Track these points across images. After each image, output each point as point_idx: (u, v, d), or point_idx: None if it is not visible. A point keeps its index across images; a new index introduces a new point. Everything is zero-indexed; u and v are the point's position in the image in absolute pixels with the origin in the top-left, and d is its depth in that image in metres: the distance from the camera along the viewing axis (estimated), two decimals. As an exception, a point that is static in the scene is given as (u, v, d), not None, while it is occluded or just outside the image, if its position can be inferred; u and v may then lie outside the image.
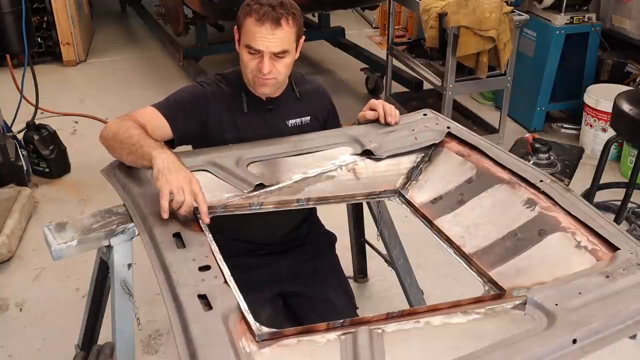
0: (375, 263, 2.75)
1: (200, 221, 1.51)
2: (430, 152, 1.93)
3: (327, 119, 2.07)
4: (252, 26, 1.76)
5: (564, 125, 4.38)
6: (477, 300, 1.36)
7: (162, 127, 1.82)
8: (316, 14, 5.40)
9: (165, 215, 1.49)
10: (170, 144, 1.86)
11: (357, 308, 2.16)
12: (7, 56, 3.80)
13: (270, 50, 1.77)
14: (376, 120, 2.02)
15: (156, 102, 1.88)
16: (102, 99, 4.85)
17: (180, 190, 1.48)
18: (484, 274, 1.49)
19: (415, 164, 1.89)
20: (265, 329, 1.23)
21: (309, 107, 2.01)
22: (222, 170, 1.74)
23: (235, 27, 1.85)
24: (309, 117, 2.00)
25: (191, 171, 1.58)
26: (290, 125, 1.97)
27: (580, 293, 1.31)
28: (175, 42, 5.33)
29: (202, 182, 1.56)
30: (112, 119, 1.78)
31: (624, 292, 1.32)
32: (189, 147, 1.94)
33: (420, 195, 1.79)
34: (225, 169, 1.74)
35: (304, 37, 1.88)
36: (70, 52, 5.49)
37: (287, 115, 1.97)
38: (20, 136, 3.75)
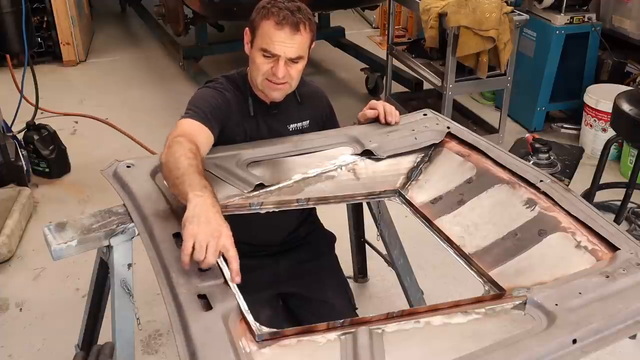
0: (375, 263, 2.75)
1: (229, 280, 1.32)
2: (430, 152, 1.92)
3: (325, 122, 2.06)
4: (270, 29, 1.74)
5: (564, 125, 4.38)
6: (477, 300, 1.36)
7: (208, 137, 1.75)
8: (316, 14, 5.40)
9: (186, 268, 1.32)
10: None
11: (357, 309, 2.16)
12: (7, 56, 3.80)
13: (287, 56, 1.76)
14: (376, 120, 2.02)
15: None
16: (102, 99, 4.85)
17: (203, 248, 1.31)
18: (484, 274, 1.49)
19: (415, 164, 1.89)
20: (265, 329, 1.23)
21: (308, 111, 2.00)
22: (222, 170, 1.73)
23: (247, 28, 1.82)
24: (308, 121, 2.00)
25: None
26: (291, 129, 1.97)
27: (580, 293, 1.31)
28: (175, 42, 5.33)
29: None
30: (169, 136, 1.65)
31: (624, 292, 1.32)
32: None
33: (420, 195, 1.79)
34: (225, 169, 1.74)
35: (314, 43, 1.87)
36: (70, 52, 5.49)
37: (289, 119, 1.97)
38: (20, 136, 3.75)
